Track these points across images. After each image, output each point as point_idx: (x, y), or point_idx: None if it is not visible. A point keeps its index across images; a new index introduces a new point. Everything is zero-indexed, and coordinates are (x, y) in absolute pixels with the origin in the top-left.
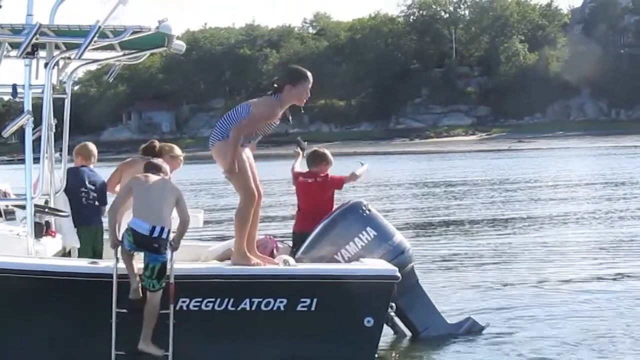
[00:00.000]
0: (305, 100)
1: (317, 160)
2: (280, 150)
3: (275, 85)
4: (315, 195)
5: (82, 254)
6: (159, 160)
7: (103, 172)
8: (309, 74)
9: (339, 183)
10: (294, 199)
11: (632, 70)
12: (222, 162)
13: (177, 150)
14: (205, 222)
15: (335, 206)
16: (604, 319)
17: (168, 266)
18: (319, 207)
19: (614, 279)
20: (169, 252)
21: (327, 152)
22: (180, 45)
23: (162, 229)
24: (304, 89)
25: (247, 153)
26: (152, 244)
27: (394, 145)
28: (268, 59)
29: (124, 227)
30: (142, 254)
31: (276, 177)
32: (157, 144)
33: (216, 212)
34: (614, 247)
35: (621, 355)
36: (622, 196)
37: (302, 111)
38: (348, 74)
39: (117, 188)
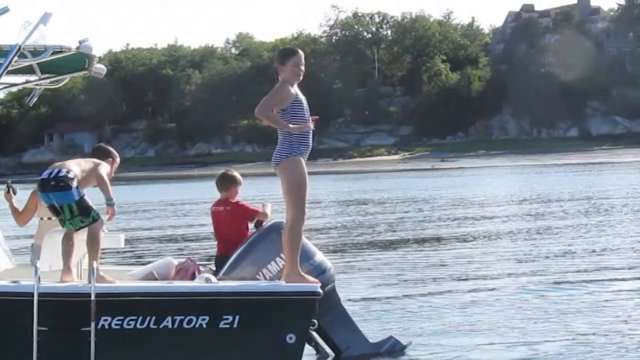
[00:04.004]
0: (301, 75)
1: (226, 183)
2: (204, 171)
3: (275, 72)
4: (228, 224)
5: None
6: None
7: (23, 194)
8: (295, 49)
9: (251, 216)
10: None
11: (553, 89)
12: (288, 177)
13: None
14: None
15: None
16: (531, 334)
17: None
18: (235, 235)
19: (540, 292)
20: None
21: (235, 173)
22: (100, 69)
23: (60, 170)
24: (294, 64)
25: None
26: (50, 183)
27: (317, 165)
28: (191, 80)
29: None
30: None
31: (202, 198)
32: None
33: (137, 235)
34: (537, 259)
35: None
36: (542, 212)
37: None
38: None
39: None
